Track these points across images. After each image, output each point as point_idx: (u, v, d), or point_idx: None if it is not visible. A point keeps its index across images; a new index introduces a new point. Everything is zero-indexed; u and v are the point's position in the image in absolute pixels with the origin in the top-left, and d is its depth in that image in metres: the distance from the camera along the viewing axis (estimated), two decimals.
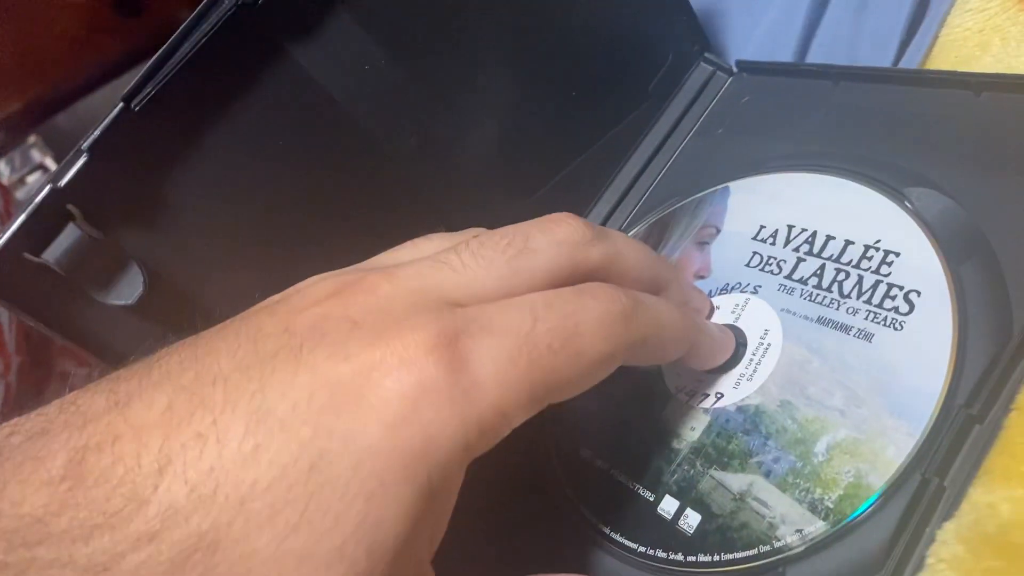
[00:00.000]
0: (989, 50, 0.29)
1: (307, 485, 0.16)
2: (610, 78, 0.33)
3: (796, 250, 0.26)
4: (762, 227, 0.27)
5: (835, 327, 0.23)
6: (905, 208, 0.24)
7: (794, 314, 0.24)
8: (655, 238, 0.31)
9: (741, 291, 0.26)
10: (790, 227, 0.26)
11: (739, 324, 0.25)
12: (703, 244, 0.29)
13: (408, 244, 0.23)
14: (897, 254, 0.24)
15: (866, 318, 0.23)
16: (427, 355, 0.17)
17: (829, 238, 0.25)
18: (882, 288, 0.23)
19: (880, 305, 0.23)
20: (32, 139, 0.62)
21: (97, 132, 0.23)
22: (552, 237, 0.21)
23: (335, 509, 0.16)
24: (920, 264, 0.23)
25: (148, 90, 0.24)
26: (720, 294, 0.27)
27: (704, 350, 0.24)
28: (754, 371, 0.24)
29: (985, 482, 0.19)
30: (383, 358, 0.17)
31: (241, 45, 0.25)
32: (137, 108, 0.24)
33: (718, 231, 0.29)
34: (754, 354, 0.24)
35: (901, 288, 0.23)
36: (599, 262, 0.22)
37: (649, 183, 0.33)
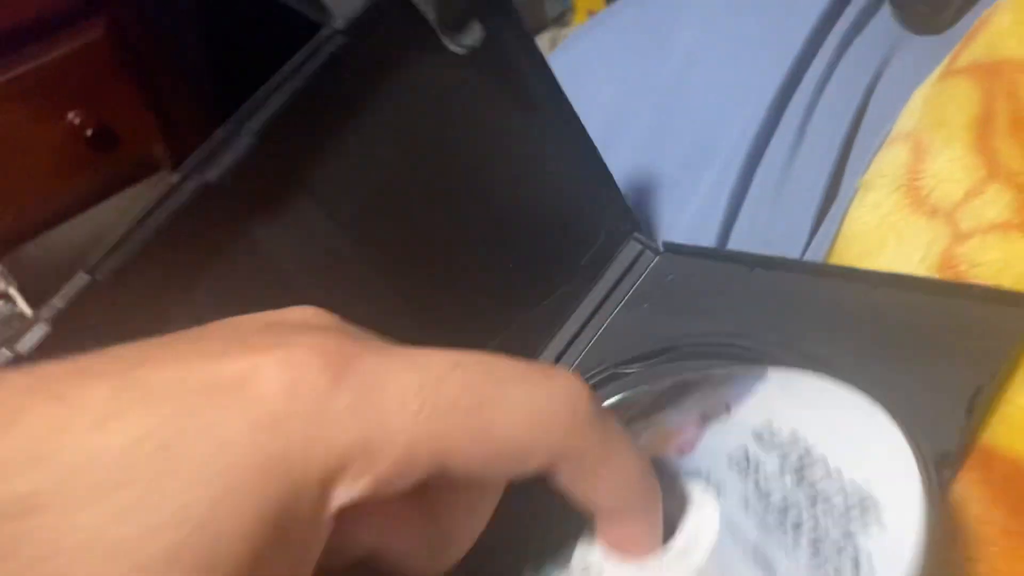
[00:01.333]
0: (887, 246, 0.31)
1: (152, 465, 0.14)
2: (545, 253, 0.34)
3: (782, 469, 0.21)
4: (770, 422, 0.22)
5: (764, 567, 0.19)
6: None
7: (734, 537, 0.20)
8: (677, 395, 0.26)
9: (704, 489, 0.22)
10: (794, 433, 0.22)
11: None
12: (705, 419, 0.24)
13: None
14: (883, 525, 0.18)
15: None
16: (316, 360, 0.16)
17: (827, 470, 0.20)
18: (847, 554, 0.18)
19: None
20: None
21: (62, 304, 0.23)
22: None
23: (176, 503, 0.14)
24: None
25: (112, 263, 0.24)
26: (686, 476, 0.22)
27: (636, 525, 0.20)
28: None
29: None
30: (279, 357, 0.16)
31: (205, 223, 0.25)
32: (100, 279, 0.24)
33: (728, 412, 0.24)
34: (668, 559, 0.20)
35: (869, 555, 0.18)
36: None
37: (577, 354, 0.34)
